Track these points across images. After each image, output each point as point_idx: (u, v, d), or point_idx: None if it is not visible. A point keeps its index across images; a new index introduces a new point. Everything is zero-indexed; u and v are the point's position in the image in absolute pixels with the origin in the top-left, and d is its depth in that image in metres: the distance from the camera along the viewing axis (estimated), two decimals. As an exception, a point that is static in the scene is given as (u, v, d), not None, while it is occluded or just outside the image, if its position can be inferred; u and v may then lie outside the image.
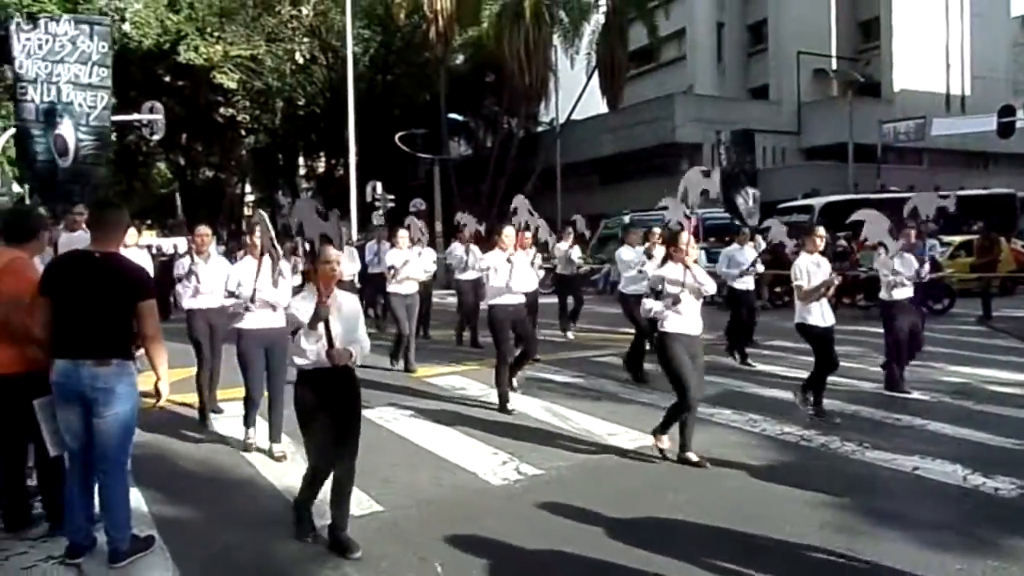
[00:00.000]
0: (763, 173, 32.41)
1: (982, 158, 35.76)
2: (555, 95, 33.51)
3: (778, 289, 15.14)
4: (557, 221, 29.45)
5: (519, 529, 4.18)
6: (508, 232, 7.13)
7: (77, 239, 5.89)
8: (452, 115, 31.22)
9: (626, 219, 25.35)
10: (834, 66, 35.68)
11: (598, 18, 32.53)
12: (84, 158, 6.29)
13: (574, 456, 5.49)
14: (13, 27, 6.27)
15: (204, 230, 6.79)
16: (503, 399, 6.98)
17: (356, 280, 10.99)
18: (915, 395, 7.27)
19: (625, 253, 8.79)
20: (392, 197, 24.24)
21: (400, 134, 28.37)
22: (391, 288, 9.23)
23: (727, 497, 4.63)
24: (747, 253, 9.58)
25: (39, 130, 6.19)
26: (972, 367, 8.53)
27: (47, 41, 6.03)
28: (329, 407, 3.81)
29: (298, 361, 3.79)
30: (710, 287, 5.44)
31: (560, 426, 6.40)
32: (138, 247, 9.52)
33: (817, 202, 20.95)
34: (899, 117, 30.67)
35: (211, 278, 6.41)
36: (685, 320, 5.27)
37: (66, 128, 6.12)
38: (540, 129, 37.03)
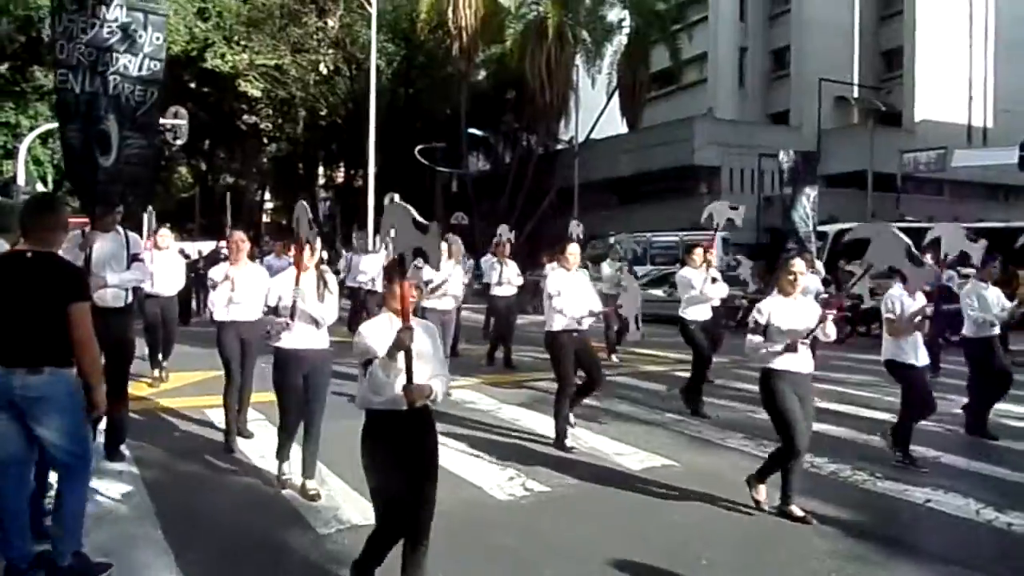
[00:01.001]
0: (780, 199, 32.42)
1: (1002, 191, 35.52)
2: (575, 114, 33.64)
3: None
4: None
5: (523, 545, 4.16)
6: (573, 249, 6.38)
7: (106, 239, 5.32)
8: (472, 130, 31.43)
9: (611, 240, 25.46)
10: (856, 94, 35.65)
11: (620, 39, 32.70)
12: (128, 158, 5.42)
13: (581, 474, 5.46)
14: (54, 5, 5.56)
15: (240, 235, 6.16)
16: (561, 434, 6.27)
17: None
18: (931, 426, 7.18)
19: (687, 274, 7.88)
20: (409, 209, 24.39)
21: (420, 147, 28.57)
22: (427, 304, 8.49)
23: (734, 521, 4.59)
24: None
25: (77, 123, 5.35)
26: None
27: (93, 25, 5.23)
28: (403, 457, 3.24)
29: (374, 400, 3.17)
30: (831, 331, 4.64)
31: (568, 444, 6.36)
32: (177, 251, 9.24)
33: (830, 229, 20.82)
34: (920, 147, 30.56)
35: (246, 287, 5.85)
36: (795, 356, 4.58)
37: (110, 124, 5.31)
38: (559, 147, 37.16)
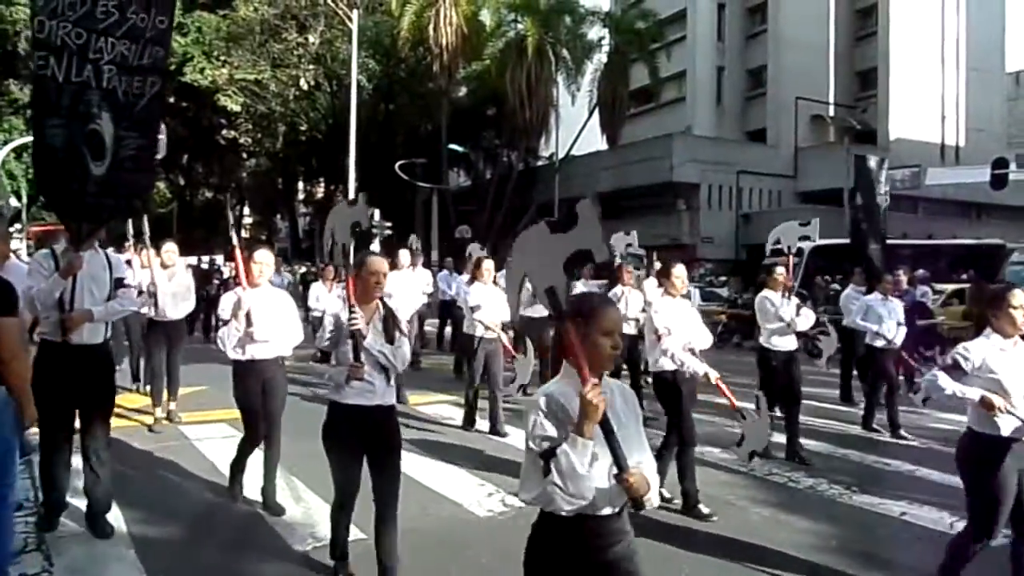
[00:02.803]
0: (759, 216, 32.82)
1: (974, 208, 36.17)
2: (555, 130, 33.87)
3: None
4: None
5: (501, 561, 4.13)
6: (680, 272, 5.42)
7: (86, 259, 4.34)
8: (453, 146, 31.51)
9: None
10: (831, 112, 36.23)
11: (600, 57, 33.04)
12: (123, 162, 4.41)
13: (561, 490, 5.44)
14: None
15: (266, 255, 4.89)
16: (692, 499, 5.02)
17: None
18: (904, 441, 7.26)
19: (770, 298, 6.78)
20: (389, 224, 24.35)
21: (400, 163, 28.59)
22: (471, 331, 7.50)
23: (712, 537, 4.59)
24: (892, 305, 8.13)
25: (60, 119, 4.31)
26: (962, 414, 8.50)
27: (84, 2, 4.22)
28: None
29: (565, 505, 2.13)
30: None
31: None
32: (186, 266, 7.99)
33: (806, 245, 21.06)
34: (894, 165, 31.04)
35: (268, 319, 4.73)
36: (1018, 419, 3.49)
37: (104, 124, 4.31)
38: (539, 163, 37.35)
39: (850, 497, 5.42)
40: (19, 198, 25.96)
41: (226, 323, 4.73)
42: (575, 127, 32.71)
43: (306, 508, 4.81)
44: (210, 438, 6.70)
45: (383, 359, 3.67)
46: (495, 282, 7.78)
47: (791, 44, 37.50)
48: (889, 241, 22.77)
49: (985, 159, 23.50)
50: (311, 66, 32.60)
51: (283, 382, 4.97)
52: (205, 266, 18.89)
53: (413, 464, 6.08)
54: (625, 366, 8.66)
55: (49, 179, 4.52)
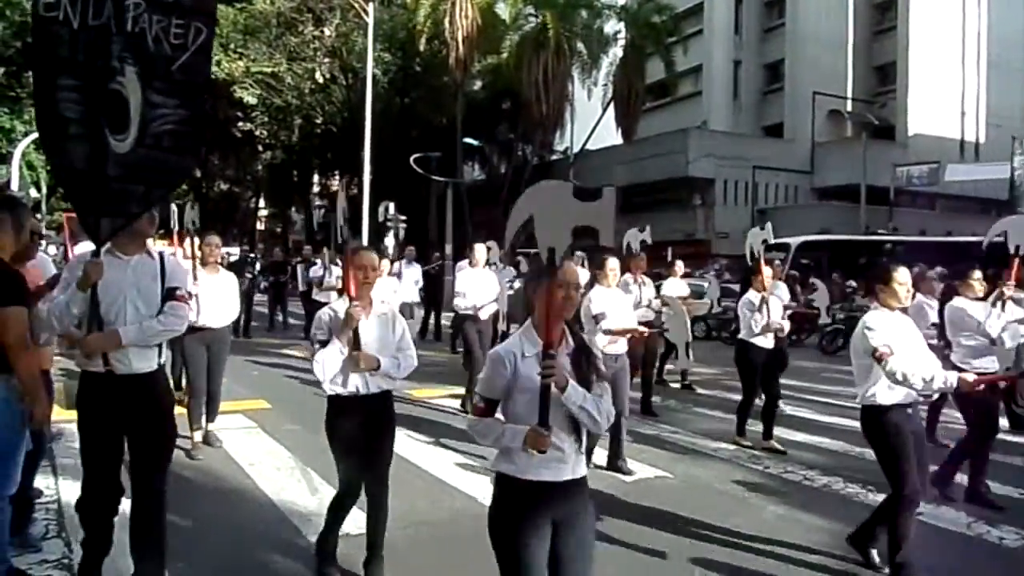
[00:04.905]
0: (774, 211, 32.60)
1: (994, 205, 35.79)
2: (570, 124, 33.79)
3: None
4: (567, 249, 29.62)
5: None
6: (903, 277, 4.04)
7: (125, 267, 3.38)
8: (467, 139, 31.51)
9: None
10: (849, 107, 35.92)
11: (616, 51, 32.93)
12: (158, 138, 3.18)
13: (574, 485, 5.45)
14: None
15: (368, 258, 3.65)
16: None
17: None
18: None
19: (967, 308, 5.45)
20: (404, 218, 24.41)
21: (415, 156, 28.63)
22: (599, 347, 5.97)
23: (726, 534, 4.58)
24: None
25: (75, 81, 3.06)
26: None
27: None
28: None
29: None
30: None
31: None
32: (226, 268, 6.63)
33: (794, 241, 20.90)
34: (912, 161, 30.78)
35: (374, 343, 3.62)
36: None
37: (129, 81, 3.10)
38: (554, 157, 37.28)
39: (866, 496, 5.38)
40: (39, 189, 26.20)
41: (323, 344, 3.57)
42: (590, 121, 32.63)
43: (320, 500, 4.83)
44: (226, 428, 6.73)
45: (584, 417, 2.43)
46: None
47: (809, 38, 37.22)
48: (906, 238, 22.66)
49: (1005, 155, 23.24)
50: (327, 59, 32.69)
51: (392, 423, 3.79)
52: (234, 258, 18.66)
53: (426, 457, 6.10)
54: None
55: (62, 161, 3.31)
